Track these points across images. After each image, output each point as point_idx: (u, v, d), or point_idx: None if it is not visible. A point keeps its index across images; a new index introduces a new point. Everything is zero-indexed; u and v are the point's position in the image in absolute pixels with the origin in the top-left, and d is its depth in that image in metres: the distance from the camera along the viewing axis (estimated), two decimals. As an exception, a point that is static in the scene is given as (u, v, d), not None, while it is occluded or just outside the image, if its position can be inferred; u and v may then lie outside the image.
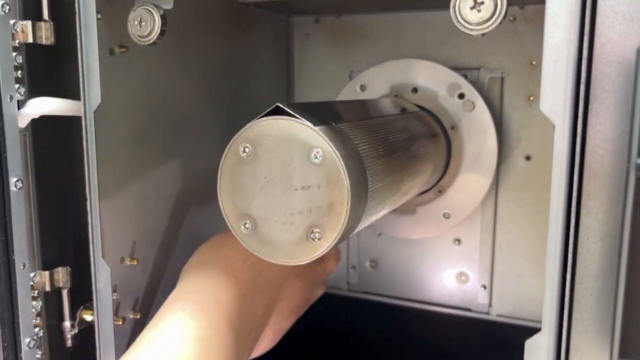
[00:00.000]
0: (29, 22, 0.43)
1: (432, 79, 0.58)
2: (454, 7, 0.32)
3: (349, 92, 0.62)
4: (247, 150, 0.37)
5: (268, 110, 0.36)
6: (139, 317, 0.48)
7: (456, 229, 0.63)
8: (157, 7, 0.41)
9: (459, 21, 0.32)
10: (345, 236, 0.36)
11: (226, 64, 0.58)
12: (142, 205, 0.48)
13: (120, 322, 0.46)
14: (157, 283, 0.51)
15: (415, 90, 0.59)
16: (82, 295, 0.48)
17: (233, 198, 0.38)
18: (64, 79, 0.46)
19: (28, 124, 0.44)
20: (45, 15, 0.44)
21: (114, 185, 0.45)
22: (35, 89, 0.44)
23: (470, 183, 0.58)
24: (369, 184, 0.38)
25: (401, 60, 0.60)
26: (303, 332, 0.73)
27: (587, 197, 0.31)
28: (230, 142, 0.37)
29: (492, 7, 0.31)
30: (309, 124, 0.35)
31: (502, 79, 0.60)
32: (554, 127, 0.30)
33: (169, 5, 0.41)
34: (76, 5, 0.41)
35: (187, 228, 0.54)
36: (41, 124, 0.45)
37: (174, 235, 0.52)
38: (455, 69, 0.60)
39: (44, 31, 0.44)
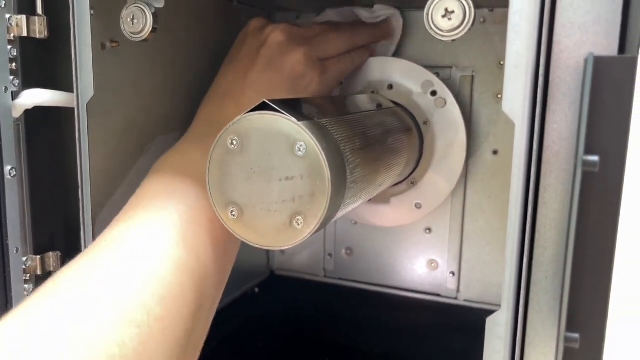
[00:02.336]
0: (24, 17, 0.44)
1: (406, 77, 0.62)
2: (427, 15, 0.35)
3: (328, 87, 0.65)
4: (234, 142, 0.39)
5: (255, 105, 0.39)
6: (127, 299, 0.50)
7: (427, 219, 0.67)
8: (149, 5, 0.43)
9: (431, 28, 0.35)
10: (325, 223, 0.39)
11: (210, 59, 0.60)
12: (131, 193, 0.50)
13: (110, 305, 0.48)
14: (144, 268, 0.53)
15: (390, 86, 0.62)
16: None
17: (221, 187, 0.40)
18: (56, 71, 0.48)
19: (21, 114, 0.46)
20: (39, 10, 0.46)
21: (104, 174, 0.47)
22: (28, 81, 0.46)
23: (441, 175, 0.62)
24: (348, 176, 0.41)
25: (378, 58, 0.63)
26: (280, 316, 0.76)
27: (544, 190, 0.34)
28: (219, 135, 0.40)
29: (461, 16, 0.34)
30: (293, 119, 0.37)
31: (473, 77, 0.64)
32: (514, 125, 0.33)
33: (160, 4, 0.43)
34: (70, 1, 0.43)
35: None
36: (33, 114, 0.47)
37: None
38: (429, 67, 0.63)
39: (37, 25, 0.45)
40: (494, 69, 0.63)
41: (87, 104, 0.44)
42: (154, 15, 0.43)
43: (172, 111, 0.55)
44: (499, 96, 0.63)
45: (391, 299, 0.71)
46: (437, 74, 0.63)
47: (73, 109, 0.47)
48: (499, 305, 0.66)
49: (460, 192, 0.66)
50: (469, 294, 0.68)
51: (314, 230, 0.38)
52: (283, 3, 0.68)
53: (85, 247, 0.46)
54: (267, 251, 0.77)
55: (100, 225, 0.47)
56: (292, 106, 0.39)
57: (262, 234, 0.40)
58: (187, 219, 0.41)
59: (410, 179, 0.62)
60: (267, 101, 0.38)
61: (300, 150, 0.37)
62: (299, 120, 0.38)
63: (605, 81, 0.28)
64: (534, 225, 0.35)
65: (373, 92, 0.63)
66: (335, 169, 0.38)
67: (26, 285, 0.47)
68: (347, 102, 0.54)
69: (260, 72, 0.51)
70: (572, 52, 0.34)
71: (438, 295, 0.69)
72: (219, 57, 0.61)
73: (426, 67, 0.63)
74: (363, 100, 0.58)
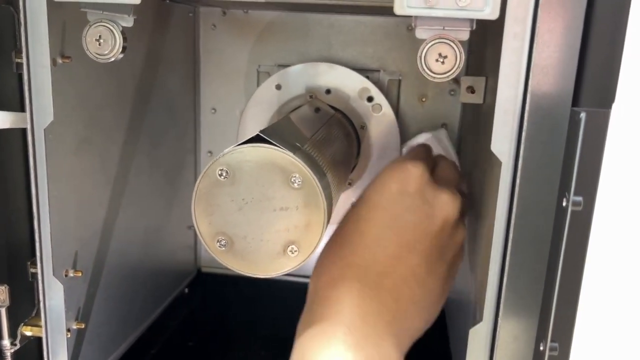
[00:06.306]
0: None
1: (344, 83, 0.64)
2: (420, 57, 0.37)
3: (265, 91, 0.65)
4: (224, 173, 0.39)
5: (248, 138, 0.38)
6: (82, 326, 0.48)
7: (356, 214, 0.71)
8: (117, 23, 0.40)
9: (424, 69, 0.37)
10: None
11: (147, 61, 0.57)
12: (83, 214, 0.48)
13: (68, 335, 0.46)
14: (96, 290, 0.50)
15: (328, 91, 0.64)
16: (19, 310, 0.47)
17: (208, 217, 0.40)
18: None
19: (-41, 138, 0.41)
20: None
21: (57, 199, 0.44)
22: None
23: (376, 176, 0.65)
24: (333, 197, 0.42)
25: (317, 63, 0.64)
26: (211, 314, 0.76)
27: (518, 216, 0.39)
28: (207, 166, 0.39)
29: (453, 61, 0.37)
30: (289, 152, 0.38)
31: (400, 81, 0.68)
32: (500, 163, 0.37)
33: (129, 24, 0.40)
34: (22, 16, 0.39)
35: (122, 232, 0.54)
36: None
37: (109, 240, 0.52)
38: (358, 69, 0.66)
39: (-25, 38, 0.40)
40: (419, 74, 0.67)
41: (44, 129, 0.41)
42: (123, 34, 0.40)
43: (115, 122, 0.52)
44: (423, 99, 0.68)
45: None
46: (367, 77, 0.65)
47: (14, 129, 0.43)
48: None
49: (387, 189, 0.70)
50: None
51: (308, 258, 0.40)
52: (210, 1, 0.66)
53: (43, 278, 0.43)
54: (195, 250, 0.76)
55: (54, 255, 0.44)
56: (280, 135, 0.40)
57: (252, 263, 0.40)
58: None
59: (347, 180, 0.65)
60: (260, 133, 0.38)
61: (296, 182, 0.38)
62: (291, 151, 0.38)
63: (589, 132, 0.33)
64: (505, 247, 0.39)
65: (311, 96, 0.64)
66: (328, 198, 0.40)
67: (-28, 326, 0.43)
68: (298, 118, 0.55)
69: (427, 256, 0.42)
70: (536, 91, 0.39)
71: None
72: (151, 58, 0.58)
73: (355, 69, 0.65)
74: (307, 111, 0.59)
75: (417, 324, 0.41)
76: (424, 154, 0.50)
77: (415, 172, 0.42)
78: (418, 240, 0.41)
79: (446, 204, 0.42)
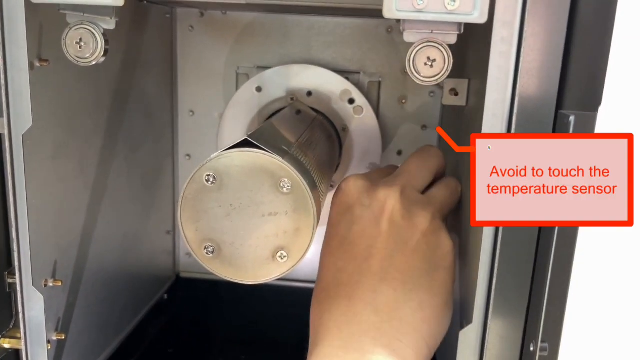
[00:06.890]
0: None
1: (325, 85, 0.63)
2: (409, 61, 0.37)
3: (245, 93, 0.64)
4: (211, 179, 0.38)
5: (235, 142, 0.38)
6: (63, 337, 0.46)
7: (337, 216, 0.71)
8: (98, 25, 0.39)
9: (412, 73, 0.37)
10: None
11: (123, 63, 0.56)
12: (62, 222, 0.46)
13: (49, 347, 0.44)
14: (75, 299, 0.49)
15: (309, 93, 0.63)
16: (-5, 322, 0.45)
17: (195, 223, 0.39)
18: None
19: None
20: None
21: (35, 206, 0.42)
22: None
23: (358, 178, 0.65)
24: (321, 201, 0.42)
25: (297, 65, 0.64)
26: (191, 320, 0.75)
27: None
28: (194, 171, 0.38)
29: (442, 64, 0.37)
30: (278, 157, 0.37)
31: (380, 83, 0.68)
32: (489, 166, 0.37)
33: (111, 26, 0.39)
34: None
35: (102, 238, 0.53)
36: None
37: (89, 247, 0.51)
38: (338, 71, 0.65)
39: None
40: (398, 76, 0.68)
41: (22, 135, 0.39)
42: (104, 36, 0.39)
43: (97, 126, 0.51)
44: (403, 101, 0.68)
45: (301, 292, 0.74)
46: (347, 78, 0.65)
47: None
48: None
49: (368, 190, 0.70)
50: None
51: (298, 263, 0.40)
52: (187, 2, 0.65)
53: (22, 289, 0.42)
54: (173, 255, 0.74)
55: (33, 265, 0.42)
56: (267, 139, 0.39)
57: (241, 269, 0.40)
58: None
59: (329, 182, 0.65)
60: (248, 138, 0.38)
61: (285, 187, 0.38)
62: (280, 155, 0.38)
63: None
64: (494, 253, 0.39)
65: (292, 98, 0.63)
66: (318, 203, 0.39)
67: (-54, 340, 0.41)
68: (281, 121, 0.54)
69: (388, 256, 0.40)
70: (521, 94, 0.39)
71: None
72: (132, 60, 0.57)
73: (335, 71, 0.65)
74: (289, 113, 0.58)
75: (424, 324, 0.39)
76: (385, 170, 0.49)
77: (347, 187, 0.43)
78: (371, 245, 0.40)
79: (383, 199, 0.41)
